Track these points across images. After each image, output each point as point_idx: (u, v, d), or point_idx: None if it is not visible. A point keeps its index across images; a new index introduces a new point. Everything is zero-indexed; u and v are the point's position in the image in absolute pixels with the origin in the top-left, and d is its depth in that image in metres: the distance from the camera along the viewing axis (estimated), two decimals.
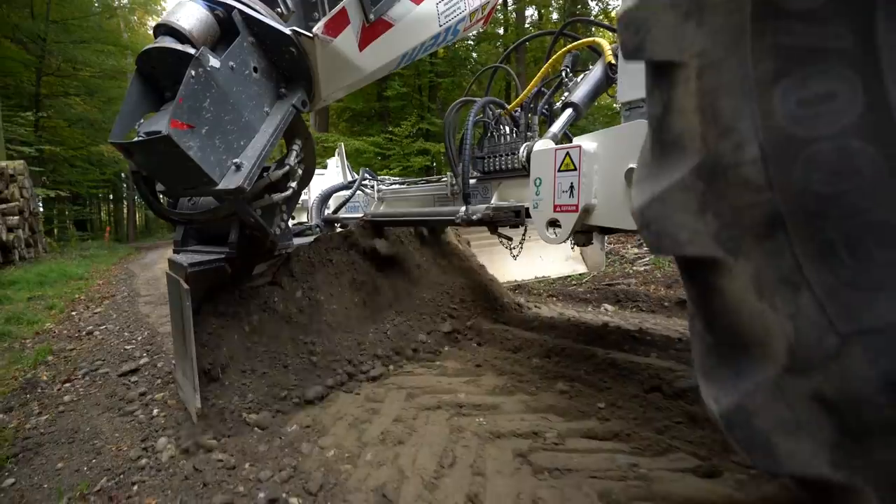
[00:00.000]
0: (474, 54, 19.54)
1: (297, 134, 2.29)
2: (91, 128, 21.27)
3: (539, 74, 2.86)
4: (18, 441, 2.09)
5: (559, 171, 2.00)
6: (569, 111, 2.40)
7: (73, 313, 5.09)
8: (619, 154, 1.84)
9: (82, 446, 2.05)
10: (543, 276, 5.63)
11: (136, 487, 1.69)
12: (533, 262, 5.14)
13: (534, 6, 18.20)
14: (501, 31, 17.85)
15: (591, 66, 2.58)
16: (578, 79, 2.65)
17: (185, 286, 2.05)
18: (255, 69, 1.97)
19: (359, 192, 4.08)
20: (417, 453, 1.78)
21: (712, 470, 1.54)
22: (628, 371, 2.39)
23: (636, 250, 6.95)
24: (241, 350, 2.38)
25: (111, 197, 30.47)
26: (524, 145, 2.29)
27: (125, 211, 30.63)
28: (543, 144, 2.19)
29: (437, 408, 2.16)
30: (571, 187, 1.96)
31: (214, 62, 1.77)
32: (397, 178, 4.36)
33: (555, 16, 18.50)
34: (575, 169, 1.94)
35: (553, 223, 2.07)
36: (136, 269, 9.58)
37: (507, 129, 2.99)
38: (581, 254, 6.09)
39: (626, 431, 1.86)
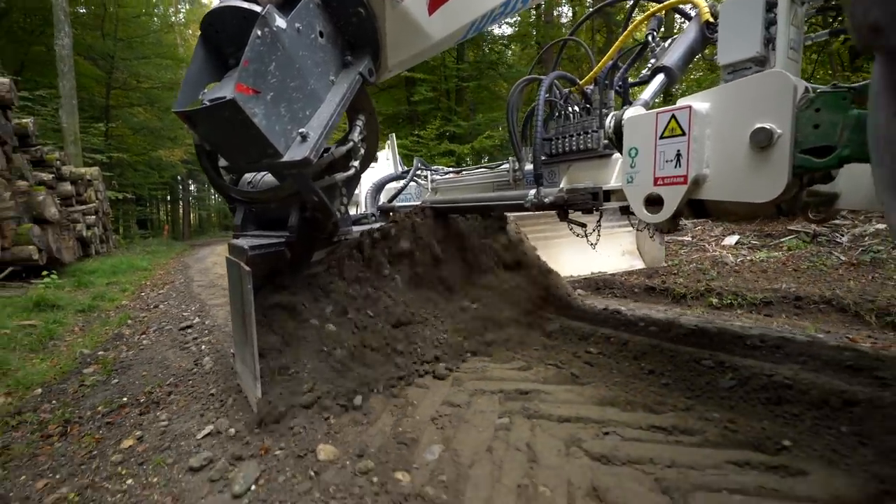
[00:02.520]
0: (509, 51, 19.20)
1: (361, 108, 2.14)
2: (151, 135, 22.76)
3: (617, 44, 2.59)
4: (117, 363, 3.10)
5: (661, 137, 1.73)
6: (660, 76, 2.12)
7: (142, 294, 6.21)
8: (742, 113, 1.55)
9: (157, 365, 3.03)
10: (599, 272, 5.29)
11: (190, 382, 2.66)
12: (588, 256, 4.82)
13: (567, 5, 17.60)
14: (534, 31, 17.43)
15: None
16: (666, 43, 2.36)
17: (247, 268, 1.93)
18: (321, 34, 1.83)
19: (411, 182, 3.92)
20: None
21: (576, 380, 2.32)
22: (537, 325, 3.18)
23: None
24: (303, 339, 2.25)
25: (168, 198, 32.29)
26: (612, 114, 2.02)
27: (181, 211, 32.42)
28: (636, 111, 1.92)
29: None
30: (678, 156, 1.68)
31: (280, 22, 1.64)
32: (451, 168, 4.17)
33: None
34: (683, 134, 1.66)
35: (653, 199, 1.80)
36: (191, 262, 10.59)
37: (577, 107, 2.73)
38: (638, 248, 5.68)
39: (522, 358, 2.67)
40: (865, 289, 3.79)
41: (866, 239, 5.08)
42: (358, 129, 2.13)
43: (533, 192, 2.54)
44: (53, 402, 2.49)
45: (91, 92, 19.62)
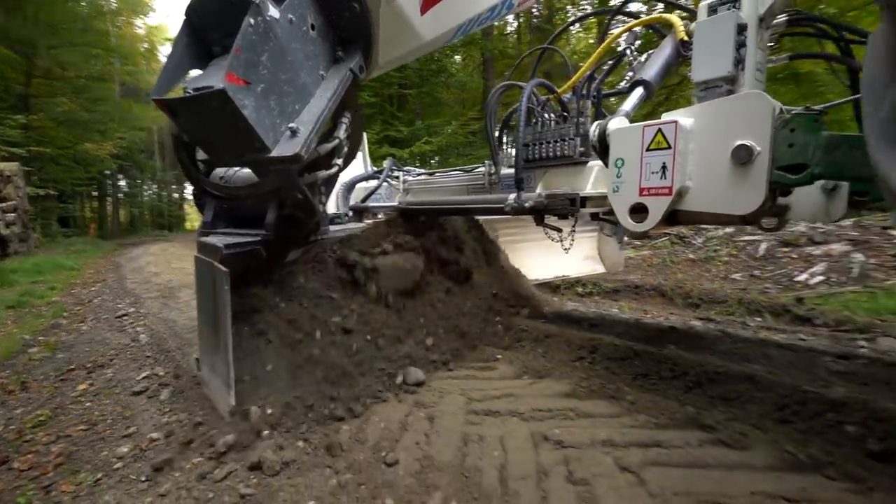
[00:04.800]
0: (457, 57, 19.50)
1: (348, 105, 2.07)
2: (78, 127, 20.81)
3: (595, 55, 2.68)
4: (59, 344, 3.50)
5: (648, 150, 1.81)
6: (639, 90, 2.21)
7: (73, 291, 6.28)
8: (724, 130, 1.66)
9: (98, 344, 3.48)
10: (563, 276, 5.46)
11: (129, 352, 3.19)
12: (552, 260, 4.98)
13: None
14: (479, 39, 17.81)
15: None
16: (642, 57, 2.49)
17: (223, 269, 1.81)
18: (312, 26, 1.76)
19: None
20: None
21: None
22: None
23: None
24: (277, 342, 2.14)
25: (95, 194, 29.63)
26: (596, 124, 2.09)
27: (109, 208, 29.86)
28: (621, 122, 2.00)
29: None
30: (663, 168, 1.76)
31: (274, 12, 1.55)
32: (423, 170, 4.14)
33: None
34: (669, 147, 1.75)
35: (638, 209, 1.87)
36: (123, 262, 10.21)
37: (554, 114, 2.81)
38: (599, 254, 5.91)
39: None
40: (685, 279, 4.86)
41: (713, 241, 6.04)
42: (344, 126, 2.06)
43: (513, 196, 2.57)
44: (7, 371, 2.89)
45: (7, 79, 17.64)
